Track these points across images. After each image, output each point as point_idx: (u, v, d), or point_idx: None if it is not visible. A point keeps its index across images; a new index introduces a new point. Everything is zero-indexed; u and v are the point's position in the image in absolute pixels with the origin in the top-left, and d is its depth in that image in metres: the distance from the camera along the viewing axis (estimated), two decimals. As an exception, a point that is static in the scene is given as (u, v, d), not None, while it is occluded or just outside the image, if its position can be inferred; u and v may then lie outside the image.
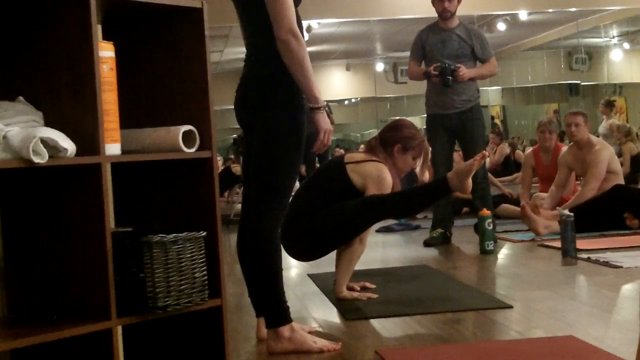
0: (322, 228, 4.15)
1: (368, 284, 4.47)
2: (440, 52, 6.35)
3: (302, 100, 3.18)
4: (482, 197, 6.36)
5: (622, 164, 8.79)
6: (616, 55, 20.67)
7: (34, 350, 2.27)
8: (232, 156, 15.11)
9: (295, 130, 3.14)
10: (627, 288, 4.27)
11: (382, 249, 6.60)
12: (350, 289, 4.31)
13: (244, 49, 3.28)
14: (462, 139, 6.46)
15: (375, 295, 4.24)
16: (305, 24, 12.90)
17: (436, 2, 6.42)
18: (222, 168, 13.30)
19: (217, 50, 16.54)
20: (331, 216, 4.14)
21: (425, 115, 6.61)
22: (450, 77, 6.23)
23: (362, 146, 20.26)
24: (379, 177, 4.18)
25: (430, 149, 6.48)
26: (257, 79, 3.19)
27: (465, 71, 6.26)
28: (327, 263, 4.45)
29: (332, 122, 14.56)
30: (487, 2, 13.39)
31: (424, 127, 6.68)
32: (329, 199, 4.20)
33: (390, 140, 4.38)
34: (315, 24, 14.31)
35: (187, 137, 2.47)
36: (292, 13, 3.06)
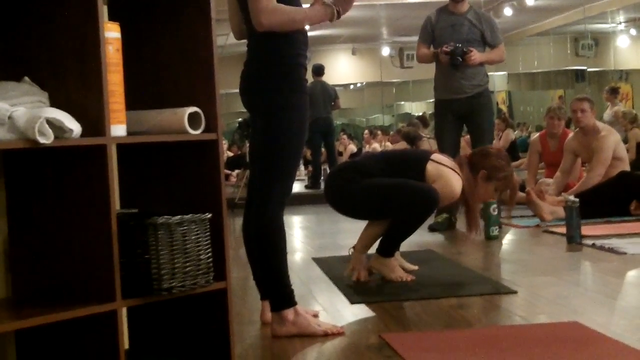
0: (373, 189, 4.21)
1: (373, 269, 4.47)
2: (450, 36, 6.32)
3: (302, 83, 3.16)
4: (487, 183, 6.34)
5: (627, 151, 8.76)
6: (623, 42, 20.60)
7: (38, 332, 2.27)
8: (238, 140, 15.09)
9: (297, 114, 3.12)
10: (632, 274, 4.26)
11: (386, 233, 6.59)
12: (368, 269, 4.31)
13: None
14: (469, 124, 6.45)
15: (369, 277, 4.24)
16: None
17: None
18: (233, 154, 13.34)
19: (223, 33, 16.50)
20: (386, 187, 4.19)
21: (432, 100, 6.59)
22: (460, 58, 6.19)
23: (367, 130, 20.20)
24: (446, 186, 4.20)
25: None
26: (256, 63, 3.16)
27: (476, 55, 6.23)
28: (331, 248, 4.44)
29: (337, 107, 14.31)
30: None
31: (430, 111, 6.66)
32: (391, 174, 4.25)
33: (478, 165, 4.40)
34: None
35: (193, 119, 2.46)
36: None
